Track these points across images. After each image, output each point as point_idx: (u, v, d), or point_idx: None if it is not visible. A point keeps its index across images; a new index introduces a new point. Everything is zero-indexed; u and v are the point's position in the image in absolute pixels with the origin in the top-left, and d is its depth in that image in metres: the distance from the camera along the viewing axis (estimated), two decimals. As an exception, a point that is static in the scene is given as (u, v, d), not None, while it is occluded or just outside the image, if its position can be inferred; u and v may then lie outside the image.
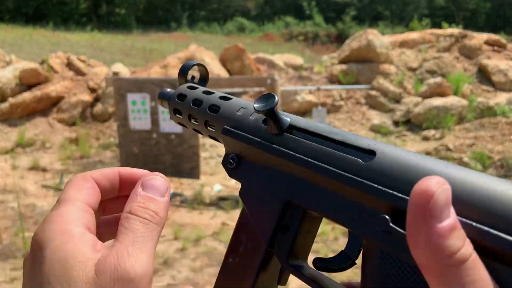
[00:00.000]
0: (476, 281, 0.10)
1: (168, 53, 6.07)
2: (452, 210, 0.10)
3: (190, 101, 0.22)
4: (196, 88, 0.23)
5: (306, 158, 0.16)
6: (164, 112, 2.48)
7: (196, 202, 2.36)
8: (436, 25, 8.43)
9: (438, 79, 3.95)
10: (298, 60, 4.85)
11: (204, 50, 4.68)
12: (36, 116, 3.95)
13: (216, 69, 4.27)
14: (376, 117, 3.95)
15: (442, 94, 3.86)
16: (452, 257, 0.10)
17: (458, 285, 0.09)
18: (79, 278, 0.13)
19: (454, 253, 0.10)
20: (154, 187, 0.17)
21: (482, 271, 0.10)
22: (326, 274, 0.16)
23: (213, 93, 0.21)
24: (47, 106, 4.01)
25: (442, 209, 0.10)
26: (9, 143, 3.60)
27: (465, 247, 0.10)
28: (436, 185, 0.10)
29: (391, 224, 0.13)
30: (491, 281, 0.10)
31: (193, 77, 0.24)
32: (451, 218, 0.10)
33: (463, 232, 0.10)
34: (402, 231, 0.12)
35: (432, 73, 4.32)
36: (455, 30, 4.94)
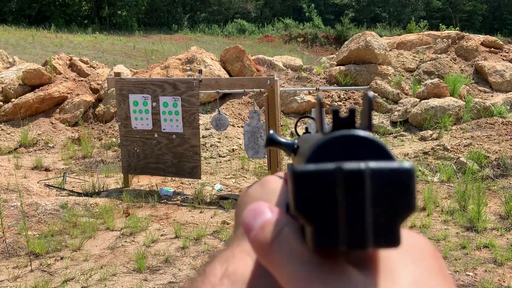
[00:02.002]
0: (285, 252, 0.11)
1: (169, 55, 6.12)
2: (259, 219, 0.12)
3: None
4: None
5: None
6: (165, 112, 2.52)
7: (197, 201, 2.38)
8: (434, 27, 8.49)
9: (436, 80, 3.98)
10: (297, 61, 4.87)
11: (205, 51, 4.72)
12: (39, 116, 3.97)
13: (216, 70, 4.31)
14: (374, 118, 3.97)
15: (439, 95, 3.89)
16: (261, 249, 0.12)
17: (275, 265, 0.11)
18: None
19: (261, 243, 0.12)
20: None
21: (290, 242, 0.11)
22: None
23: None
24: (50, 107, 4.04)
25: (250, 226, 0.12)
26: (13, 143, 3.62)
27: (267, 235, 0.12)
28: (246, 212, 0.12)
29: None
30: (300, 244, 0.11)
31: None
32: (259, 223, 0.12)
33: (271, 226, 0.12)
34: None
35: (429, 74, 4.35)
36: (452, 32, 4.95)
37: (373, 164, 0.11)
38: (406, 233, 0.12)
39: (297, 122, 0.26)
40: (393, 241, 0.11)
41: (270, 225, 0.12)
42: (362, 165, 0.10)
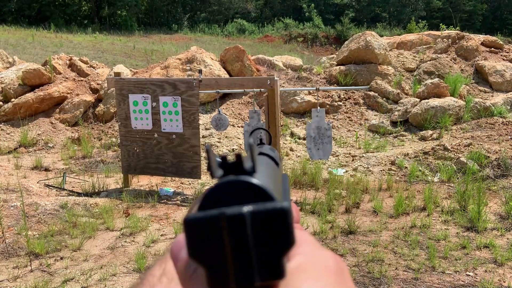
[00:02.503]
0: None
1: (169, 54, 6.12)
2: (184, 251, 0.13)
3: None
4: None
5: None
6: (165, 112, 2.51)
7: (197, 201, 2.39)
8: (434, 26, 8.49)
9: (436, 80, 3.97)
10: (297, 61, 4.86)
11: (205, 51, 4.71)
12: (39, 116, 3.97)
13: (216, 69, 4.30)
14: (375, 118, 3.95)
15: (439, 95, 3.88)
16: (183, 279, 0.13)
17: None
18: None
19: (184, 274, 0.13)
20: None
21: (203, 278, 0.12)
22: None
23: None
24: (49, 107, 4.03)
25: (176, 257, 0.14)
26: (12, 143, 3.62)
27: (188, 266, 0.13)
28: (174, 243, 0.14)
29: None
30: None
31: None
32: (183, 255, 0.13)
33: None
34: None
35: (429, 74, 4.34)
36: (452, 32, 4.95)
37: (252, 207, 0.12)
38: (311, 252, 0.13)
39: (251, 133, 0.27)
40: (278, 274, 0.12)
41: None
42: (242, 209, 0.11)
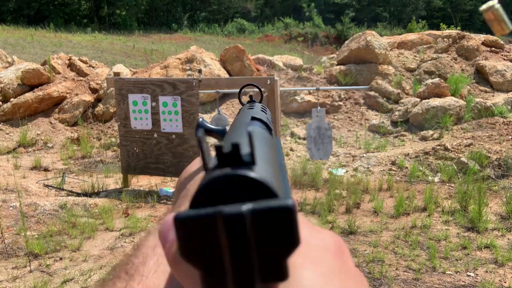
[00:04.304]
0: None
1: (169, 54, 6.11)
2: (173, 232, 0.12)
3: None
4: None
5: None
6: (164, 112, 2.50)
7: (196, 201, 2.38)
8: (434, 26, 8.48)
9: (436, 80, 3.96)
10: (297, 61, 4.84)
11: (205, 51, 4.70)
12: (38, 116, 3.96)
13: (216, 69, 4.29)
14: (375, 117, 3.95)
15: (440, 95, 3.87)
16: (172, 260, 0.12)
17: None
18: None
19: (173, 256, 0.12)
20: None
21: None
22: None
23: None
24: (49, 107, 4.02)
25: (164, 238, 0.13)
26: (12, 143, 3.61)
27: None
28: (162, 224, 0.13)
29: None
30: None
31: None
32: (172, 236, 0.12)
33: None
34: None
35: (430, 74, 4.33)
36: (453, 31, 4.93)
37: (252, 205, 0.10)
38: (309, 233, 0.12)
39: (240, 90, 0.24)
40: (280, 276, 0.11)
41: None
42: (241, 207, 0.10)
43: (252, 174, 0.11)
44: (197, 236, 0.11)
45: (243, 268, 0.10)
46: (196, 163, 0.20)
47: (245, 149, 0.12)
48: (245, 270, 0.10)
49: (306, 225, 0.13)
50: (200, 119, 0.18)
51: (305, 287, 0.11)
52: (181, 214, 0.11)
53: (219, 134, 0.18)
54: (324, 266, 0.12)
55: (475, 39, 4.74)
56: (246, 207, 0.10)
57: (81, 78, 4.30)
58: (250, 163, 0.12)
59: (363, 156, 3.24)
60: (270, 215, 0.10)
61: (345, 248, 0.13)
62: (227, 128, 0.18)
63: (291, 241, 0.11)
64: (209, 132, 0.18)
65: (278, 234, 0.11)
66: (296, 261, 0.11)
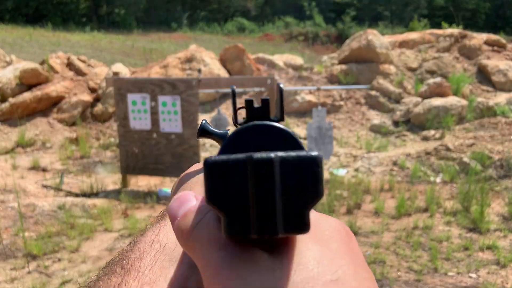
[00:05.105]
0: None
1: (168, 53, 6.07)
2: (183, 207, 0.13)
3: None
4: None
5: None
6: (164, 112, 2.48)
7: (196, 202, 2.37)
8: (436, 25, 8.43)
9: (438, 79, 3.94)
10: (298, 60, 4.83)
11: (204, 50, 4.67)
12: (37, 116, 3.94)
13: (216, 69, 4.27)
14: (376, 117, 3.93)
15: (442, 94, 3.85)
16: (182, 235, 0.12)
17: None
18: None
19: (183, 230, 0.12)
20: None
21: (209, 229, 0.12)
22: None
23: None
24: (47, 106, 4.01)
25: (174, 214, 0.13)
26: (10, 143, 3.59)
27: (188, 223, 0.12)
28: (172, 201, 0.13)
29: None
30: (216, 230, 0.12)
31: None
32: (182, 211, 0.13)
33: (193, 214, 0.12)
34: None
35: (431, 73, 4.31)
36: (455, 30, 4.90)
37: (282, 154, 0.11)
38: (317, 217, 0.13)
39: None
40: (302, 227, 0.11)
41: (193, 212, 0.12)
42: (271, 154, 0.11)
43: (281, 126, 0.12)
44: (226, 181, 0.11)
45: (267, 215, 0.10)
46: (196, 166, 0.20)
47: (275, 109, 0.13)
48: (269, 218, 0.10)
49: (317, 213, 0.13)
50: (204, 121, 0.19)
51: (315, 258, 0.11)
52: (212, 158, 0.11)
53: (221, 137, 0.19)
54: (334, 243, 0.12)
55: (477, 38, 4.70)
56: (276, 154, 0.11)
57: (80, 77, 4.27)
58: (279, 118, 0.13)
59: (364, 156, 3.22)
60: (297, 164, 0.11)
61: (352, 235, 0.13)
62: (229, 131, 0.18)
63: (315, 191, 0.11)
64: (211, 134, 0.19)
65: (303, 184, 0.11)
66: (306, 238, 0.12)
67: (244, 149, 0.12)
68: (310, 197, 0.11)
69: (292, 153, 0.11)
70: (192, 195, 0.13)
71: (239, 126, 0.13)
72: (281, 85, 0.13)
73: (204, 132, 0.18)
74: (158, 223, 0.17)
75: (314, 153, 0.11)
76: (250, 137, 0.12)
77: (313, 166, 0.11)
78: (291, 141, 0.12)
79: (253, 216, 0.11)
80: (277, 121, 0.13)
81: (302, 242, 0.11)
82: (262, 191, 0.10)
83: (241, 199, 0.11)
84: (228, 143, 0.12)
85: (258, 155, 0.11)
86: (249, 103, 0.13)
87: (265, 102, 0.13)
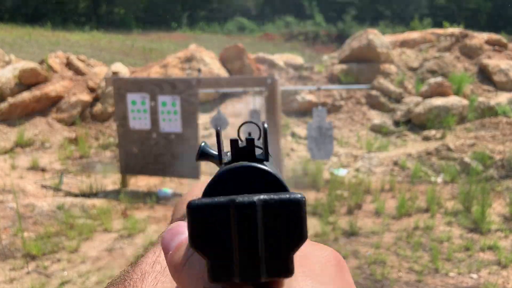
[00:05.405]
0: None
1: (168, 53, 6.06)
2: (176, 240, 0.13)
3: None
4: None
5: None
6: (163, 112, 2.47)
7: (196, 202, 2.36)
8: (437, 24, 8.41)
9: (439, 79, 3.93)
10: (298, 59, 4.82)
11: (204, 49, 4.65)
12: (36, 116, 3.93)
13: (216, 68, 4.26)
14: (377, 117, 3.92)
15: (443, 94, 3.84)
16: (174, 269, 0.12)
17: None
18: None
19: (176, 264, 0.12)
20: None
21: (197, 266, 0.12)
22: None
23: None
24: (46, 106, 4.00)
25: (167, 246, 0.13)
26: (8, 143, 3.58)
27: (179, 257, 0.12)
28: (166, 232, 0.14)
29: None
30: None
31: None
32: (175, 244, 0.13)
33: (185, 248, 0.13)
34: None
35: (432, 72, 4.30)
36: (456, 30, 4.89)
37: (264, 197, 0.11)
38: (308, 248, 0.13)
39: (239, 127, 0.24)
40: (286, 271, 0.11)
41: (184, 245, 0.13)
42: (253, 198, 0.11)
43: (266, 168, 0.12)
44: (209, 224, 0.11)
45: (250, 259, 0.10)
46: (195, 190, 0.20)
47: (258, 149, 0.13)
48: (252, 262, 0.10)
49: (308, 242, 0.13)
50: (203, 143, 0.19)
51: None
52: (194, 201, 0.11)
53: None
54: (325, 277, 0.12)
55: (479, 37, 4.69)
56: (258, 197, 0.11)
57: (79, 77, 4.27)
58: (263, 159, 0.12)
59: (365, 156, 3.22)
60: (280, 208, 0.11)
61: (344, 264, 0.13)
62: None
63: (299, 235, 0.11)
64: (210, 157, 0.18)
65: (287, 227, 0.11)
66: (298, 272, 0.11)
67: (229, 190, 0.11)
68: (294, 241, 0.11)
69: (275, 196, 0.11)
70: (185, 227, 0.13)
71: (223, 166, 0.12)
72: (266, 125, 0.12)
73: (203, 155, 0.18)
74: (159, 243, 0.17)
75: (298, 195, 0.11)
76: (234, 178, 0.12)
77: (297, 209, 0.11)
78: (275, 183, 0.12)
79: (235, 261, 0.10)
80: (262, 161, 0.12)
81: (293, 278, 0.11)
82: (245, 235, 0.10)
83: (224, 244, 0.11)
84: (212, 184, 0.12)
85: (240, 198, 0.11)
86: (234, 143, 0.12)
87: (250, 142, 0.12)
